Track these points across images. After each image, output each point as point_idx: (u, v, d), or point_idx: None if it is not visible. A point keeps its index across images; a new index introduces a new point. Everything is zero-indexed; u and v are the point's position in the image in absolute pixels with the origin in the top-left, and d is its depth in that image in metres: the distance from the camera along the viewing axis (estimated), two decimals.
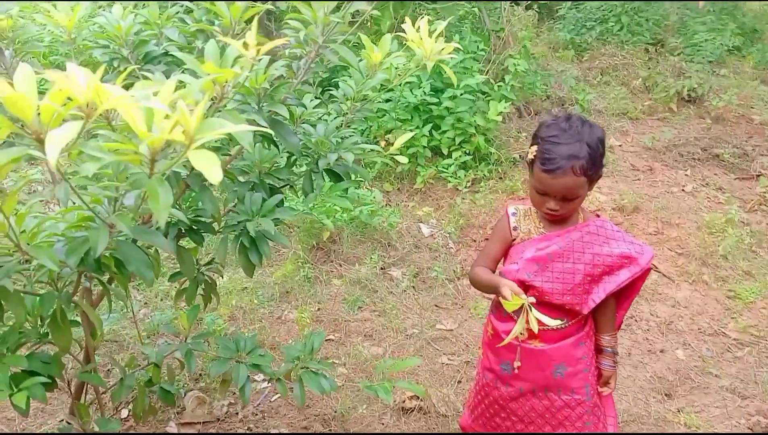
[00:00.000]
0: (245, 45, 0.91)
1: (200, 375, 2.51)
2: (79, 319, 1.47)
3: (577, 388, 1.75)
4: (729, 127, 4.68)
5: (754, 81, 5.38)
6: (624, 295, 1.75)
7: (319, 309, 2.99)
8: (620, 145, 4.44)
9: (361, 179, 3.34)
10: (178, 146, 0.79)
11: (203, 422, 2.34)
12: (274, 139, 1.52)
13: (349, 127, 1.68)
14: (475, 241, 3.49)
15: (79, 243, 1.03)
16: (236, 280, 3.09)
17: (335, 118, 1.66)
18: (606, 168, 4.07)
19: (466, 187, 3.79)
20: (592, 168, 1.57)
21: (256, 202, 1.51)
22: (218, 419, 2.37)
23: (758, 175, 4.00)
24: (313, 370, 1.84)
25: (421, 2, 4.32)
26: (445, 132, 3.83)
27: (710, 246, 3.31)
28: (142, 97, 0.76)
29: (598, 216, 1.71)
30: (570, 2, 6.41)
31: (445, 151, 3.83)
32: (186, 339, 1.80)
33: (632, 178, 4.08)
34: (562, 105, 4.93)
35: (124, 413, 2.26)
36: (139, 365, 1.85)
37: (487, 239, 3.51)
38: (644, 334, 2.83)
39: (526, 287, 1.68)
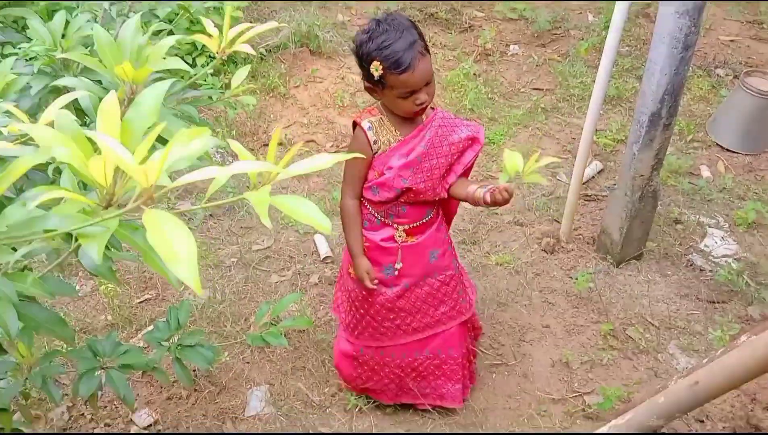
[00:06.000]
0: None
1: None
2: None
3: (448, 265, 1.93)
4: None
5: None
6: (463, 174, 1.89)
7: (116, 271, 2.66)
8: (349, 20, 4.51)
9: None
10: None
11: None
12: None
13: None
14: (253, 149, 3.36)
15: None
16: None
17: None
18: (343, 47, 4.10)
19: (230, 98, 3.54)
20: (426, 43, 1.64)
21: None
22: (64, 429, 2.06)
23: (470, 27, 4.47)
24: (189, 344, 1.70)
25: None
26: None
27: (458, 102, 3.69)
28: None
29: (433, 108, 1.78)
30: None
31: (189, 60, 3.49)
32: (30, 368, 1.48)
33: None
34: None
35: None
36: None
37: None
38: None
39: (403, 192, 1.73)
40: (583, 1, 4.65)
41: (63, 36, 1.04)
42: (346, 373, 2.05)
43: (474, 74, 3.89)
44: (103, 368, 1.55)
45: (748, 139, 3.25)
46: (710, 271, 2.56)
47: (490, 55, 4.10)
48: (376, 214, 1.80)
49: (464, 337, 2.01)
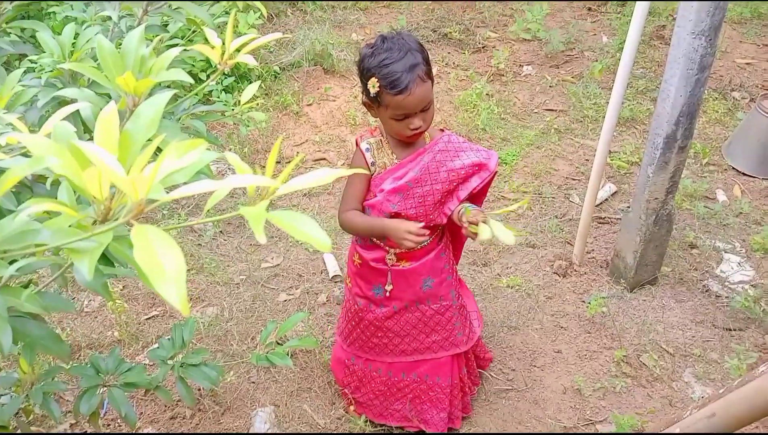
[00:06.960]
0: None
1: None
2: None
3: (444, 295, 1.87)
4: (447, 6, 5.06)
5: None
6: (474, 199, 1.86)
7: (124, 287, 2.65)
8: (363, 39, 4.53)
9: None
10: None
11: None
12: None
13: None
14: (263, 166, 3.35)
15: None
16: None
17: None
18: None
19: (240, 113, 3.56)
20: (430, 68, 1.60)
21: None
22: None
23: (483, 47, 4.47)
24: (193, 363, 1.67)
25: None
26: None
27: (469, 122, 3.67)
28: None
29: (441, 130, 1.75)
30: None
31: (203, 76, 3.50)
32: (32, 384, 1.45)
33: None
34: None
35: None
36: None
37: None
38: None
39: (392, 216, 1.71)
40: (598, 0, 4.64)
41: (72, 49, 1.03)
42: (339, 377, 2.06)
43: (487, 94, 3.87)
44: (105, 386, 1.53)
45: (764, 163, 3.20)
46: (726, 297, 2.50)
47: (503, 75, 4.09)
48: None
49: (457, 368, 1.95)
